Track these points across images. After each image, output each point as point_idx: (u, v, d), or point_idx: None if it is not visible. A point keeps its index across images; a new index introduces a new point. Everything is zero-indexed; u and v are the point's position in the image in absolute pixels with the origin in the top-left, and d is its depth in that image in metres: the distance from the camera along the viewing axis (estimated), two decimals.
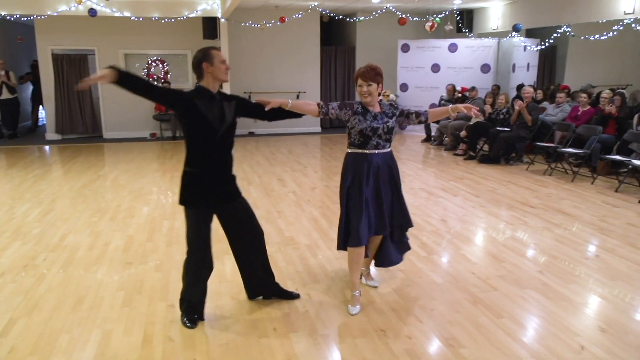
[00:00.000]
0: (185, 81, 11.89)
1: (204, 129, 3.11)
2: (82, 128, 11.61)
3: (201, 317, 3.33)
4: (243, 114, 3.36)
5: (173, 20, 10.65)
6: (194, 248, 3.26)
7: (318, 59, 12.28)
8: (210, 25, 10.71)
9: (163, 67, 11.75)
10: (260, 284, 3.59)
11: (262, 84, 12.02)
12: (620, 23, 8.58)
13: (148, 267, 4.25)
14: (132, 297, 3.70)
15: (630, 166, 6.64)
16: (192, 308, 3.32)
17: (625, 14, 8.08)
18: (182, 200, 3.20)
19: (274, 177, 7.63)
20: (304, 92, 12.22)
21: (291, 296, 3.65)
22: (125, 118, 11.67)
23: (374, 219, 3.46)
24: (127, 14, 10.13)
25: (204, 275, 3.34)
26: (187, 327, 3.24)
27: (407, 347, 3.02)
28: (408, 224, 3.66)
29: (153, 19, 10.48)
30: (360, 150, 3.43)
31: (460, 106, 3.52)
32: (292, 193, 6.66)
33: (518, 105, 8.14)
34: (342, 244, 3.50)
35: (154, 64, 11.71)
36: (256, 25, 10.85)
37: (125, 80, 2.88)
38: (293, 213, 5.74)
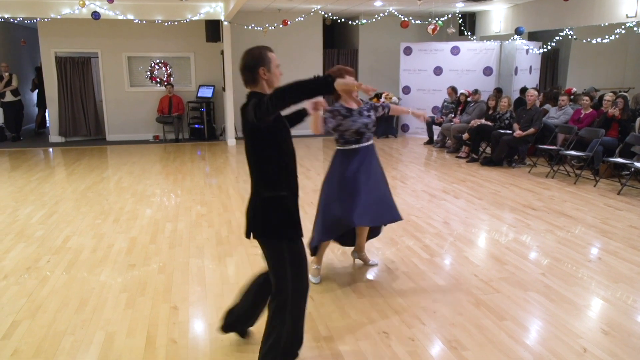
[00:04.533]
0: (188, 84, 11.93)
1: (289, 142, 2.65)
2: (85, 130, 11.66)
3: None
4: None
5: (176, 23, 10.70)
6: (302, 289, 2.61)
7: (320, 62, 12.31)
8: (213, 28, 10.75)
9: (166, 69, 11.80)
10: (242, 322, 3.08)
11: None
12: (622, 26, 8.58)
13: (151, 269, 4.27)
14: (135, 299, 3.71)
15: (632, 169, 6.63)
16: None
17: (627, 17, 8.08)
18: (277, 234, 2.55)
19: None
20: None
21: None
22: (128, 120, 11.72)
23: (365, 207, 3.69)
24: (130, 16, 10.18)
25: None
26: None
27: (410, 350, 3.03)
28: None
29: (156, 21, 10.53)
30: (355, 146, 3.76)
31: (415, 111, 4.12)
32: None
33: (517, 134, 8.20)
34: (317, 240, 3.81)
35: (157, 66, 11.76)
36: (259, 29, 10.88)
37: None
38: None
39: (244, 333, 3.14)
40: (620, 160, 6.98)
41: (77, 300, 3.68)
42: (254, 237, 2.59)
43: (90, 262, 4.41)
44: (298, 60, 12.07)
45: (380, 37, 12.51)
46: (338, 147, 3.85)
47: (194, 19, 10.45)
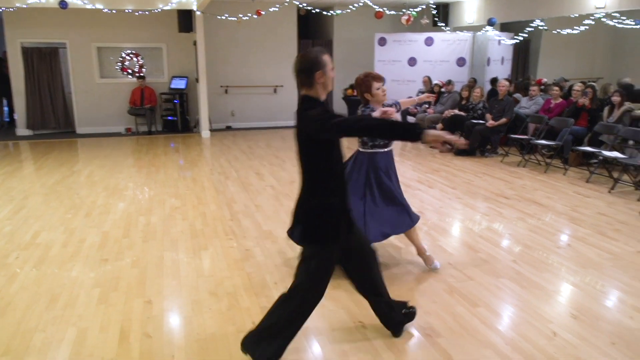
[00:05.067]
0: (161, 75, 11.73)
1: (340, 150, 2.61)
2: (54, 123, 11.37)
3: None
4: None
5: (147, 12, 10.48)
6: (321, 288, 2.68)
7: (295, 53, 12.23)
8: (185, 18, 10.58)
9: (137, 60, 11.57)
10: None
11: (239, 78, 11.93)
12: (592, 17, 8.75)
13: (124, 263, 4.20)
14: (108, 294, 3.65)
15: (600, 157, 6.80)
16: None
17: (596, 8, 8.24)
18: (326, 237, 2.59)
19: (251, 171, 7.60)
20: (282, 86, 12.19)
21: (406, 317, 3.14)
22: (99, 113, 11.47)
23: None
24: (99, 6, 9.93)
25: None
26: None
27: (385, 338, 3.06)
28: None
29: (126, 11, 10.29)
30: (383, 150, 3.80)
31: (421, 97, 4.59)
32: (270, 187, 6.64)
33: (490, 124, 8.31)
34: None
35: (127, 57, 11.52)
36: (232, 19, 10.75)
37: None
38: (271, 207, 5.73)
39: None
40: (588, 149, 7.14)
41: (47, 297, 3.60)
42: (299, 240, 2.72)
43: (60, 258, 4.31)
44: (272, 50, 11.98)
45: (355, 27, 12.50)
46: (365, 150, 3.82)
47: (165, 8, 10.25)
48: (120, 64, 11.52)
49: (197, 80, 11.03)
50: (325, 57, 2.53)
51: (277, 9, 10.87)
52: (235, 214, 5.51)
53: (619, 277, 3.90)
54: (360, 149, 3.85)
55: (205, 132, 10.98)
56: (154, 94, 11.39)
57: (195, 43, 10.72)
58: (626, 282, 3.81)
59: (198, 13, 10.31)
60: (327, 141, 2.51)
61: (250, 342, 2.70)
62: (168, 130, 11.67)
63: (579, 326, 3.18)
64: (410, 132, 2.34)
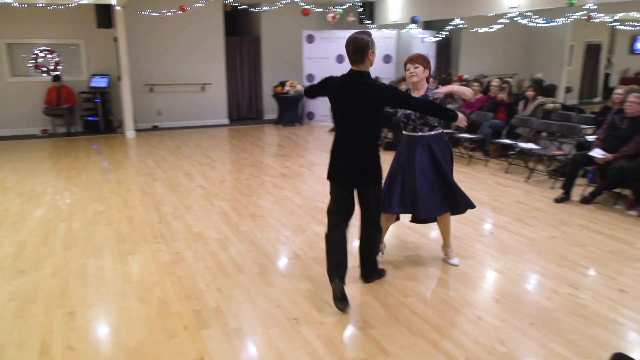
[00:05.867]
0: (79, 73, 11.13)
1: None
2: None
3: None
4: None
5: (62, 7, 9.89)
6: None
7: (223, 50, 12.03)
8: (104, 13, 10.08)
9: (53, 57, 10.91)
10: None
11: (165, 76, 11.56)
12: (506, 16, 9.25)
13: (43, 273, 3.95)
14: (25, 307, 3.42)
15: (517, 149, 7.21)
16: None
17: (510, 8, 8.72)
18: (380, 179, 3.45)
19: (180, 171, 7.39)
20: (210, 84, 11.94)
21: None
22: (10, 114, 10.69)
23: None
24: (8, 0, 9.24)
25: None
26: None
27: (320, 333, 3.08)
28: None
29: (39, 5, 9.66)
30: (410, 134, 3.89)
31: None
32: (200, 187, 6.49)
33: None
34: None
35: (41, 54, 10.83)
36: (155, 14, 10.38)
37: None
38: (202, 208, 5.61)
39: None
40: (506, 141, 7.55)
41: None
42: (365, 184, 3.36)
43: None
44: (199, 47, 11.70)
45: (283, 24, 12.47)
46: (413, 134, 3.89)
47: (82, 3, 9.71)
48: (33, 61, 10.81)
49: (119, 78, 10.56)
50: (373, 39, 3.22)
51: (202, 5, 10.62)
52: (164, 216, 5.34)
53: (537, 261, 4.16)
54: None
55: (130, 133, 10.55)
56: (72, 93, 10.78)
57: (116, 39, 10.26)
58: (543, 265, 4.07)
59: (118, 8, 9.87)
60: (382, 110, 3.29)
61: (369, 274, 3.69)
62: (89, 131, 11.10)
63: (501, 309, 3.36)
64: (451, 116, 3.44)
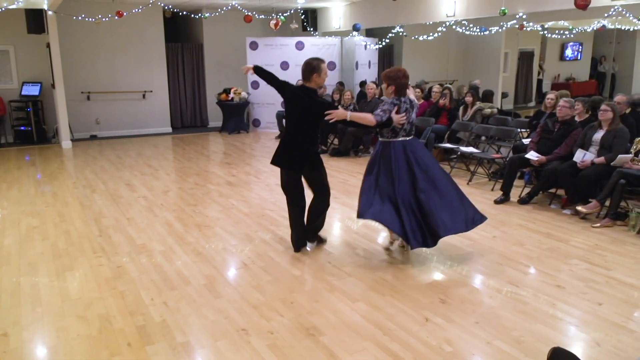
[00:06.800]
0: (9, 81, 10.53)
1: None
2: None
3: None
4: None
5: None
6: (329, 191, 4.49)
7: (164, 56, 11.74)
8: (35, 18, 9.61)
9: None
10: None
11: (102, 83, 11.14)
12: (444, 25, 9.56)
13: None
14: None
15: (458, 152, 7.44)
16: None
17: (447, 16, 9.02)
18: (320, 166, 4.32)
19: (121, 182, 7.13)
20: (151, 91, 11.62)
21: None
22: None
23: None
24: None
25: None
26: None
27: (269, 343, 3.04)
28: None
29: None
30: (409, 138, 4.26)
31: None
32: (142, 198, 6.28)
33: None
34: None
35: None
36: (90, 19, 10.00)
37: None
38: (145, 219, 5.42)
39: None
40: (448, 145, 7.78)
41: None
42: (305, 171, 4.28)
43: None
44: (139, 54, 11.37)
45: (226, 31, 12.33)
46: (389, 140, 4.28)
47: (11, 7, 9.21)
48: None
49: (53, 86, 10.08)
50: (323, 65, 4.14)
51: (140, 11, 10.33)
52: (105, 229, 5.13)
53: (479, 261, 4.29)
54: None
55: (66, 143, 10.08)
56: (1, 102, 10.19)
57: (48, 45, 9.79)
58: (486, 265, 4.21)
59: (50, 13, 9.43)
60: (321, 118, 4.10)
61: (310, 238, 4.57)
62: (21, 141, 10.51)
63: (447, 310, 3.44)
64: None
